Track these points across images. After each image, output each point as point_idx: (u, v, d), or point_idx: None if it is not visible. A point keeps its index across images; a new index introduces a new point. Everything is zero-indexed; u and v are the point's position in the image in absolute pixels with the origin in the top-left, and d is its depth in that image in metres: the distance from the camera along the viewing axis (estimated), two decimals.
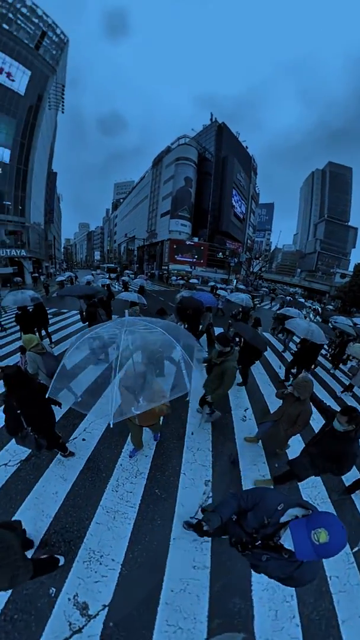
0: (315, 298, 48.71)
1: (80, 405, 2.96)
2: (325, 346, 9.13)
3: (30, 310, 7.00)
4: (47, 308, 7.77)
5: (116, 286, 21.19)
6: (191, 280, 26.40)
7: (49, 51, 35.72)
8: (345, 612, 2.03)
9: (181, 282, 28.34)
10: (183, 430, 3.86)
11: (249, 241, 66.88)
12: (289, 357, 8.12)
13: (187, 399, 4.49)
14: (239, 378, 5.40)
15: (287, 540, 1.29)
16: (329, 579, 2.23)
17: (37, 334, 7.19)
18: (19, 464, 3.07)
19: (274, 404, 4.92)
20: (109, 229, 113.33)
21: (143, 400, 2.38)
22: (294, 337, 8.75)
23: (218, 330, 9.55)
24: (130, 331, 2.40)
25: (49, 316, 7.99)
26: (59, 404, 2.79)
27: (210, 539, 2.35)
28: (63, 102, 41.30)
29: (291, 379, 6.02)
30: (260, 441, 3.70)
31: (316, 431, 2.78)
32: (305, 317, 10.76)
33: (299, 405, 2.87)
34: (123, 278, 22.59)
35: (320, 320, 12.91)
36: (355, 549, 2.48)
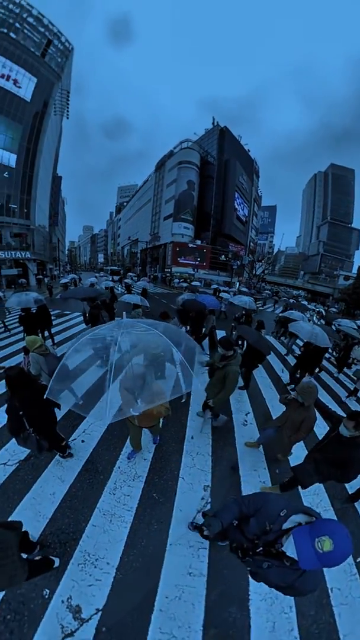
0: (318, 300, 48.40)
1: (80, 407, 2.96)
2: (330, 349, 9.02)
3: (34, 312, 7.06)
4: (50, 309, 7.81)
5: (119, 288, 21.29)
6: (193, 283, 26.44)
7: (54, 59, 36.58)
8: (347, 626, 1.96)
9: (184, 284, 28.38)
10: (183, 433, 3.81)
11: (251, 244, 66.89)
12: (291, 360, 8.03)
13: (183, 400, 4.52)
14: (240, 382, 5.36)
15: (289, 548, 1.25)
16: (330, 590, 2.15)
17: (40, 335, 7.23)
18: (17, 464, 3.08)
19: (275, 408, 4.86)
20: (112, 232, 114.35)
21: (141, 402, 2.38)
22: (297, 341, 8.66)
23: (220, 333, 9.51)
24: (127, 333, 2.41)
25: (52, 317, 8.03)
26: (58, 406, 2.79)
27: (207, 546, 2.31)
28: (68, 107, 42.03)
29: (295, 383, 5.95)
30: (261, 447, 3.64)
31: (319, 437, 2.72)
32: (309, 320, 10.65)
33: (303, 412, 2.80)
34: (126, 280, 22.70)
35: (323, 323, 12.79)
36: (359, 559, 2.41)
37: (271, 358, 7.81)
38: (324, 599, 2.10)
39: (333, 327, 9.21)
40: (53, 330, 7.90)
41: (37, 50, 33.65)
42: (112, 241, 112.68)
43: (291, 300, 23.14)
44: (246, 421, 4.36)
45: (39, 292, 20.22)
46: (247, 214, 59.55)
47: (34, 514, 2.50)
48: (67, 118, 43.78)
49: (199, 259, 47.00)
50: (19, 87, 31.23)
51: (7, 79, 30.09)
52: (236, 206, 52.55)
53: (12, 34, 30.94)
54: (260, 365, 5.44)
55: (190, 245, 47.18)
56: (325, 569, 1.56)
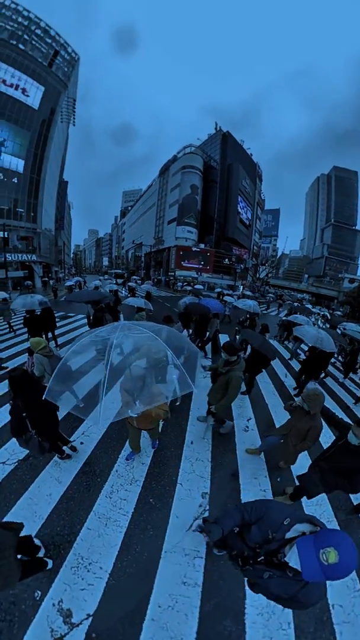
0: (323, 304, 47.86)
1: (80, 410, 2.94)
2: (336, 354, 8.86)
3: (38, 314, 7.13)
4: (55, 311, 7.88)
5: (123, 292, 21.42)
6: (196, 286, 26.41)
7: (61, 68, 37.67)
8: None
9: (188, 288, 28.42)
10: (182, 438, 3.75)
11: (255, 247, 66.79)
12: (295, 365, 7.89)
13: (177, 403, 4.48)
14: (242, 386, 5.29)
15: (292, 558, 1.20)
16: (331, 607, 2.04)
17: (44, 336, 7.30)
18: (16, 463, 3.09)
19: (278, 414, 4.77)
20: (117, 236, 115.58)
21: (140, 403, 2.40)
22: (302, 345, 8.52)
23: (224, 337, 9.44)
24: (124, 335, 2.41)
25: (56, 319, 8.09)
26: (56, 407, 2.79)
27: (203, 555, 2.25)
28: (74, 115, 43.04)
29: (300, 388, 5.82)
30: (262, 454, 3.55)
31: (322, 445, 2.64)
32: (314, 324, 10.51)
33: (309, 420, 2.69)
34: (129, 283, 22.84)
35: (328, 326, 12.61)
36: None
37: (274, 363, 7.70)
38: (324, 615, 2.00)
39: (338, 331, 9.07)
40: (57, 332, 7.98)
41: (44, 60, 34.78)
42: (117, 245, 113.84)
43: (295, 304, 22.95)
44: (247, 427, 4.28)
45: (44, 294, 20.54)
46: (250, 218, 59.61)
47: (30, 514, 2.50)
48: (74, 125, 44.81)
49: (202, 263, 47.08)
50: (27, 96, 32.25)
51: (16, 88, 31.10)
52: (239, 210, 52.65)
53: (20, 45, 32.04)
54: (263, 370, 5.35)
55: (194, 249, 47.34)
56: (326, 584, 1.49)
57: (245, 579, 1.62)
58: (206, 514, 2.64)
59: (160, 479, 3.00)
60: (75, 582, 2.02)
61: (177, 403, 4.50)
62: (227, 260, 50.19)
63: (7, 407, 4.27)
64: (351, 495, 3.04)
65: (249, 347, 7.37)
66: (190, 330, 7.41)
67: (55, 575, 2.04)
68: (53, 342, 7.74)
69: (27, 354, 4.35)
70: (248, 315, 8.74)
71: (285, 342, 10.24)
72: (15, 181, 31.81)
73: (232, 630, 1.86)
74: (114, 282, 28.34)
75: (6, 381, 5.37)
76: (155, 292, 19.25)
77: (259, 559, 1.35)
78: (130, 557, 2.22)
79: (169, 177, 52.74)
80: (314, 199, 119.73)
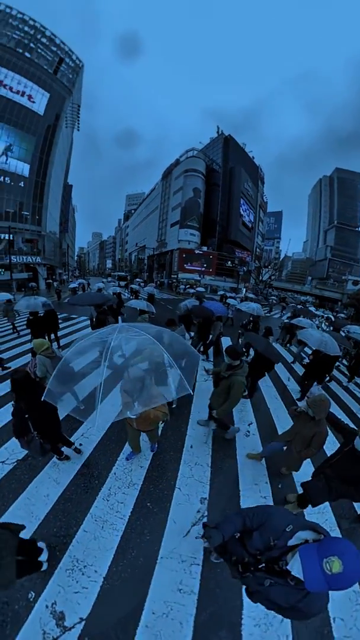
0: (327, 306, 47.46)
1: (80, 412, 2.93)
2: (340, 357, 8.72)
3: (41, 315, 7.19)
4: (58, 313, 7.96)
5: (126, 294, 21.52)
6: (198, 289, 26.38)
7: (65, 75, 38.50)
8: None
9: (191, 290, 28.42)
10: (182, 442, 3.70)
11: (257, 250, 66.76)
12: (298, 368, 7.78)
13: (174, 405, 4.45)
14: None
15: (295, 567, 1.16)
16: (332, 620, 1.97)
17: (46, 337, 7.34)
18: (15, 463, 3.10)
19: (280, 419, 4.69)
20: (120, 239, 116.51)
21: (138, 404, 2.41)
22: (306, 349, 8.41)
23: (226, 340, 9.38)
24: (121, 337, 2.41)
25: (59, 321, 8.14)
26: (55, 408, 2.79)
27: (200, 562, 2.20)
28: (78, 120, 43.81)
29: (303, 392, 5.71)
30: (263, 459, 3.48)
31: (327, 453, 2.57)
32: (318, 327, 10.39)
33: (314, 426, 2.61)
34: (132, 286, 22.95)
35: (331, 329, 12.47)
36: None
37: (277, 366, 7.59)
38: (325, 629, 1.92)
39: (342, 334, 8.96)
40: (59, 334, 8.03)
41: (49, 67, 35.62)
42: (120, 247, 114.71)
43: (299, 307, 22.76)
44: (249, 432, 4.19)
45: (47, 296, 20.75)
46: (252, 220, 59.70)
47: (26, 514, 2.49)
48: (78, 130, 45.57)
49: (205, 265, 47.15)
50: (33, 102, 32.98)
51: (22, 95, 31.82)
52: (242, 212, 52.79)
53: (27, 54, 32.89)
54: (266, 374, 5.27)
55: (197, 251, 47.48)
56: (329, 594, 1.43)
57: (244, 587, 1.58)
58: (204, 520, 2.59)
59: (159, 483, 2.96)
60: (70, 585, 2.00)
61: (174, 406, 4.47)
62: (229, 262, 50.22)
63: (8, 407, 4.29)
64: (355, 504, 2.96)
65: (251, 350, 7.33)
66: (192, 333, 7.38)
67: (49, 577, 2.02)
68: (55, 343, 7.79)
69: (29, 354, 4.37)
70: (251, 318, 8.69)
71: (288, 346, 10.14)
72: (22, 185, 32.38)
73: None
74: (117, 284, 28.53)
75: (7, 381, 5.40)
76: (157, 295, 19.28)
77: (259, 566, 1.31)
78: (126, 562, 2.18)
79: (171, 181, 53.16)
80: (317, 201, 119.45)
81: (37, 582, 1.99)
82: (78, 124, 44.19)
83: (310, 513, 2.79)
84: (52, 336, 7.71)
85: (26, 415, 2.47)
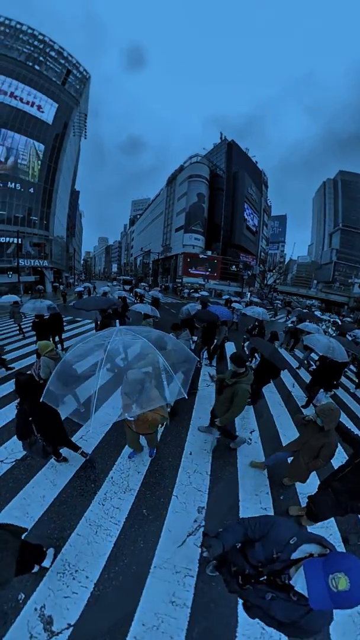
0: (333, 310, 46.78)
1: (80, 415, 2.92)
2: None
3: (46, 318, 7.29)
4: (63, 316, 8.03)
5: (131, 298, 21.69)
6: (202, 293, 26.36)
7: (73, 86, 39.83)
8: None
9: (196, 295, 28.47)
10: (181, 449, 3.64)
11: (262, 254, 66.58)
12: (303, 374, 7.63)
13: (168, 409, 4.36)
14: None
15: (299, 582, 1.10)
16: None
17: (50, 340, 7.43)
18: (14, 462, 3.12)
19: (284, 426, 4.58)
20: (126, 243, 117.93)
21: (136, 407, 2.42)
22: (312, 354, 8.25)
23: (230, 345, 9.29)
24: (119, 340, 2.41)
25: (64, 324, 8.23)
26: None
27: (195, 574, 2.13)
28: (85, 129, 44.98)
29: (309, 398, 5.55)
30: (265, 469, 3.38)
31: (335, 464, 2.47)
32: (325, 332, 10.17)
33: (323, 437, 2.49)
34: (137, 289, 23.11)
35: (337, 333, 12.23)
36: None
37: (282, 372, 7.47)
38: None
39: (348, 338, 8.77)
40: (64, 336, 8.11)
41: (58, 79, 36.97)
42: (126, 252, 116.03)
43: (304, 310, 22.46)
44: (250, 439, 4.08)
45: (54, 298, 21.08)
46: (257, 224, 59.70)
47: (22, 514, 2.49)
48: (85, 138, 46.74)
49: (209, 270, 47.22)
50: (42, 112, 34.22)
51: (32, 105, 33.04)
52: (246, 217, 52.91)
53: (36, 66, 34.25)
54: (271, 380, 5.14)
55: (201, 256, 47.65)
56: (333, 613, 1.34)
57: (240, 603, 1.51)
58: (201, 530, 2.51)
59: (156, 490, 2.91)
60: (60, 589, 1.96)
61: (168, 409, 4.42)
62: (234, 267, 50.17)
63: (10, 406, 4.35)
64: None
65: (256, 355, 7.22)
66: (195, 337, 7.33)
67: (40, 579, 2.00)
68: (59, 345, 7.86)
69: (33, 355, 4.41)
70: (256, 323, 8.60)
71: (294, 351, 9.98)
72: (32, 191, 33.32)
73: None
74: (122, 288, 28.78)
75: (11, 381, 5.45)
76: (162, 299, 19.35)
77: (261, 579, 1.26)
78: (118, 569, 2.13)
79: (176, 186, 53.76)
80: (321, 204, 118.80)
81: (27, 583, 1.96)
82: (85, 132, 45.35)
83: (315, 526, 2.68)
84: (57, 338, 7.81)
85: (30, 418, 2.49)
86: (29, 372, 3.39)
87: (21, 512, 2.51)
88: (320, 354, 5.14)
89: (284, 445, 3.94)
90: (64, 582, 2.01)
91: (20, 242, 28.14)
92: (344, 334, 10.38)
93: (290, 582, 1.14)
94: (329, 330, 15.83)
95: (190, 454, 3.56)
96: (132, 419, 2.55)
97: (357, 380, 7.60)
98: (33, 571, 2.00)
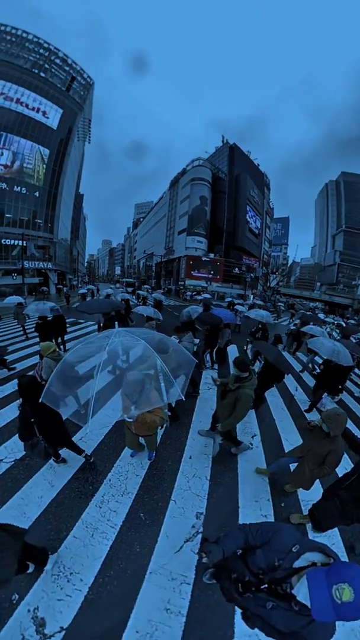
0: (337, 312, 46.36)
1: (80, 416, 2.91)
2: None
3: (49, 320, 7.34)
4: (66, 317, 8.10)
5: (134, 300, 21.76)
6: (204, 295, 26.34)
7: (77, 92, 40.68)
8: None
9: (199, 297, 28.46)
10: (180, 452, 3.58)
11: (265, 256, 66.47)
12: (306, 377, 7.52)
13: (166, 410, 4.33)
14: None
15: (301, 591, 1.07)
16: None
17: (53, 341, 7.47)
18: (13, 462, 3.12)
19: (286, 431, 4.50)
20: (129, 246, 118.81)
21: (135, 408, 2.41)
22: (317, 358, 8.13)
23: (232, 349, 9.20)
24: (120, 342, 2.41)
25: (67, 325, 8.29)
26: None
27: (191, 581, 2.07)
28: (89, 133, 45.70)
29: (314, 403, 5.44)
30: (268, 475, 3.30)
31: (339, 472, 2.41)
32: (330, 335, 10.03)
33: (328, 443, 2.40)
34: (139, 292, 23.19)
35: (341, 336, 12.08)
36: None
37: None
38: None
39: (352, 340, 8.66)
40: (66, 338, 8.16)
41: (62, 85, 37.81)
42: (129, 254, 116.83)
43: (308, 313, 22.22)
44: (252, 444, 3.98)
45: (57, 300, 21.25)
46: (259, 227, 59.70)
47: (18, 513, 2.48)
48: (89, 142, 47.49)
49: (212, 272, 47.25)
50: (47, 118, 34.91)
51: (37, 111, 33.75)
52: (248, 219, 52.95)
53: (41, 74, 35.06)
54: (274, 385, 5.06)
55: (204, 258, 47.74)
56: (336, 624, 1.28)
57: (239, 612, 1.46)
58: (199, 537, 2.45)
59: (154, 494, 2.87)
60: (54, 591, 1.94)
61: (166, 410, 4.38)
62: (237, 269, 50.14)
63: (10, 407, 4.37)
64: None
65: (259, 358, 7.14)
66: (197, 340, 7.30)
67: (34, 581, 1.98)
68: (62, 346, 7.90)
69: (36, 356, 4.42)
70: (260, 326, 8.53)
71: (296, 354, 9.88)
72: (37, 195, 33.86)
73: None
74: (125, 290, 28.93)
75: (12, 382, 5.48)
76: (164, 301, 19.31)
77: (262, 587, 1.22)
78: (113, 573, 2.09)
79: (178, 190, 54.12)
80: (324, 205, 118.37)
81: (22, 584, 1.94)
82: (89, 136, 46.11)
83: (316, 536, 2.59)
84: (59, 340, 7.84)
85: (31, 420, 2.50)
86: (31, 374, 3.41)
87: (18, 511, 2.51)
88: (325, 358, 5.06)
89: (285, 450, 3.89)
90: (58, 585, 1.98)
91: (25, 244, 28.52)
92: (347, 336, 10.23)
93: (292, 591, 1.11)
94: (333, 333, 15.63)
95: (190, 458, 3.50)
96: (130, 420, 2.54)
97: None
98: (28, 572, 1.99)
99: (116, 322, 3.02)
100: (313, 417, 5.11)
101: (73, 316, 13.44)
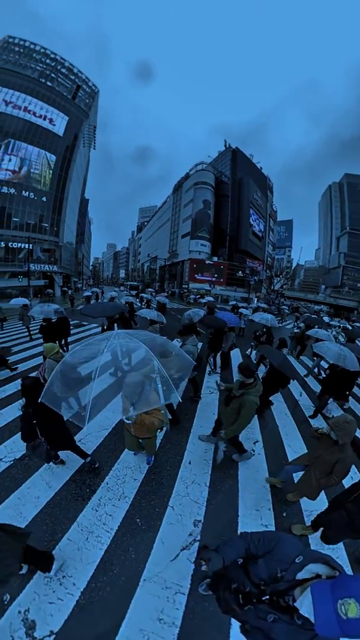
0: (342, 315, 45.76)
1: (81, 418, 2.89)
2: None
3: (54, 322, 7.40)
4: (70, 319, 8.13)
5: (138, 303, 21.86)
6: (208, 298, 26.25)
7: (83, 100, 41.78)
8: None
9: (202, 300, 28.43)
10: (180, 457, 3.51)
11: (269, 259, 66.26)
12: (311, 382, 7.37)
13: (163, 411, 4.28)
14: None
15: (304, 605, 1.01)
16: None
17: (57, 343, 7.53)
18: (12, 462, 3.12)
19: (290, 437, 4.39)
20: (133, 249, 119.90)
21: (134, 409, 2.40)
22: (322, 362, 7.98)
23: (235, 353, 9.10)
24: (120, 345, 2.41)
25: (70, 327, 8.35)
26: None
27: (187, 591, 2.00)
28: (95, 140, 46.70)
29: (319, 408, 5.32)
30: (267, 483, 3.22)
31: (346, 483, 2.31)
32: (336, 339, 9.86)
33: (337, 452, 2.31)
34: (143, 295, 23.32)
35: (346, 339, 11.87)
36: None
37: None
38: None
39: (358, 344, 8.50)
40: (70, 340, 8.21)
41: (68, 94, 38.97)
42: (133, 258, 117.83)
43: (313, 316, 21.94)
44: (254, 450, 3.88)
45: (62, 302, 21.45)
46: (263, 230, 59.66)
47: (15, 513, 2.47)
48: (94, 149, 48.46)
49: (216, 275, 47.28)
50: (54, 125, 35.85)
51: (44, 119, 34.70)
52: (252, 222, 53.00)
53: (48, 83, 36.17)
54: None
55: (207, 261, 47.86)
56: None
57: (237, 625, 1.40)
58: (196, 545, 2.37)
59: (151, 499, 2.81)
60: (46, 594, 1.90)
61: (162, 411, 4.33)
62: (240, 272, 50.07)
63: (11, 407, 4.37)
64: None
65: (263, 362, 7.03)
66: (201, 344, 7.25)
67: (27, 582, 1.95)
68: (65, 348, 7.94)
69: (39, 357, 4.44)
70: (264, 329, 8.42)
71: (300, 358, 9.74)
72: (44, 199, 34.56)
73: None
74: (129, 293, 29.14)
75: (13, 382, 5.50)
76: (168, 305, 19.33)
77: (263, 598, 1.17)
78: (106, 579, 2.04)
79: (182, 194, 54.57)
80: (327, 207, 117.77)
81: (14, 585, 1.92)
82: (94, 143, 47.06)
83: (319, 548, 2.44)
84: (63, 342, 7.89)
85: (34, 421, 2.50)
86: (34, 375, 3.42)
87: (15, 511, 2.50)
88: (331, 362, 4.93)
89: (288, 457, 3.79)
90: (51, 587, 1.95)
91: (31, 247, 29.04)
92: (352, 339, 10.05)
93: (295, 604, 1.05)
94: (339, 337, 15.35)
95: (190, 463, 3.43)
96: (129, 421, 2.53)
97: None
98: (21, 572, 1.97)
99: (115, 325, 3.01)
100: (317, 423, 5.00)
101: (77, 318, 13.55)
